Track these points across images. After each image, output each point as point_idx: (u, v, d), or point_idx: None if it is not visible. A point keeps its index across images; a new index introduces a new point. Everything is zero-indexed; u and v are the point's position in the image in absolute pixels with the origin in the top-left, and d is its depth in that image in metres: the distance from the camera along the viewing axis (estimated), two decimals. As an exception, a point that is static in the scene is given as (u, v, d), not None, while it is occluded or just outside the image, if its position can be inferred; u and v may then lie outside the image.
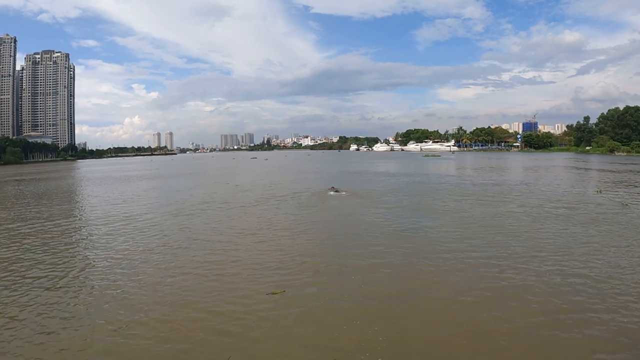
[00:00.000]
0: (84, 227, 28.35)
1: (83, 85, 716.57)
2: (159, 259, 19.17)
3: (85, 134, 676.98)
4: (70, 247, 22.48)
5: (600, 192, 40.88)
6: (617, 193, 40.48)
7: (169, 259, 19.01)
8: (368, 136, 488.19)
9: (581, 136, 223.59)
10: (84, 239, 24.61)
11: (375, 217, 28.74)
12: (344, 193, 41.82)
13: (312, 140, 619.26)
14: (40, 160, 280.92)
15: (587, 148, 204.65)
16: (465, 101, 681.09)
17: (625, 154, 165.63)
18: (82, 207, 39.77)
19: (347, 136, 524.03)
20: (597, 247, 20.03)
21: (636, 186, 47.07)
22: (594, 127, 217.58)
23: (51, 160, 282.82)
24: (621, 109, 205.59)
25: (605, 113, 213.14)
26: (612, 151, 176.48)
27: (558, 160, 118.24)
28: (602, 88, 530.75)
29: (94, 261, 19.14)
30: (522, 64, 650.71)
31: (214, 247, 21.23)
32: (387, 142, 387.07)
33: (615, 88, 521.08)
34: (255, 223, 27.57)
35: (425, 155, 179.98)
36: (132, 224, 28.46)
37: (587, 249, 19.67)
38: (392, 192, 43.03)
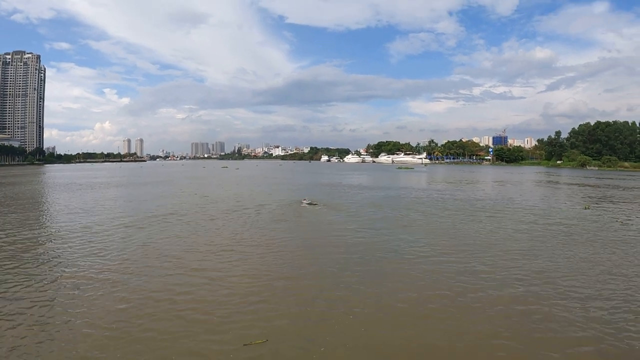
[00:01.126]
0: (36, 240, 25.07)
1: (54, 89, 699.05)
2: (113, 285, 16.21)
3: (54, 138, 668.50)
4: (13, 265, 19.17)
5: (588, 207, 39.45)
6: (605, 209, 39.26)
7: (125, 287, 16.05)
8: (339, 147, 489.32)
9: (552, 150, 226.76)
10: (31, 255, 21.28)
11: (360, 236, 26.11)
12: (320, 206, 39.45)
13: (283, 151, 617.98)
14: (7, 163, 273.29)
15: (558, 162, 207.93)
16: (437, 115, 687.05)
17: (596, 168, 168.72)
18: (39, 216, 36.15)
19: (318, 147, 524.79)
20: (610, 267, 18.61)
21: (620, 201, 46.30)
22: (565, 141, 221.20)
23: (18, 164, 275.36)
24: (591, 124, 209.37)
25: (576, 128, 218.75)
26: (583, 165, 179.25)
27: (532, 175, 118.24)
28: (571, 104, 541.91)
29: (36, 288, 16.01)
30: (493, 79, 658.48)
31: (178, 271, 18.32)
32: (358, 153, 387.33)
33: (584, 104, 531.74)
34: (226, 241, 24.59)
35: (399, 168, 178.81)
36: (90, 238, 25.33)
37: (600, 270, 18.14)
38: (373, 207, 40.57)
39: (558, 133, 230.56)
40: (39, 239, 25.74)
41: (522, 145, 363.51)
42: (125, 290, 15.57)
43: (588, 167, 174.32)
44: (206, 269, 18.57)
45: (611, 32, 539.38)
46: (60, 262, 19.75)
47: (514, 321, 12.79)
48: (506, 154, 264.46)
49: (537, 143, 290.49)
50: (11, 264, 19.50)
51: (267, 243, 23.84)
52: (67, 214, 36.19)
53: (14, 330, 12.18)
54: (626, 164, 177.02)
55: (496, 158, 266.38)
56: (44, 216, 36.59)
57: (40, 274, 17.78)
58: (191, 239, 25.12)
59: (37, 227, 30.06)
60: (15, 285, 16.23)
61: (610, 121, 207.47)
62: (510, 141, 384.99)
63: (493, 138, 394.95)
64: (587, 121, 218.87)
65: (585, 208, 39.37)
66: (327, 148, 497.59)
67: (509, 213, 35.98)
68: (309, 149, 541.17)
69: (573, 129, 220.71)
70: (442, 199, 48.38)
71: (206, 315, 13.29)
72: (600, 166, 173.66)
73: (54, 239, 25.38)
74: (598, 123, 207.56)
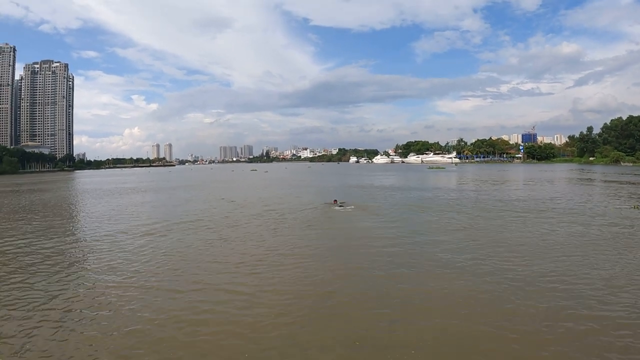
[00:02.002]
0: (53, 249, 24.07)
1: (83, 96, 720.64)
2: (128, 303, 14.80)
3: (84, 144, 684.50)
4: (24, 277, 18.13)
5: (638, 207, 37.45)
6: (657, 209, 36.51)
7: (142, 306, 14.53)
8: (367, 148, 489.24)
9: (584, 147, 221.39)
10: (45, 267, 20.07)
11: (404, 244, 24.04)
12: (355, 210, 38.08)
13: (311, 153, 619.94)
14: (37, 170, 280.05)
15: (591, 159, 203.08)
16: (464, 113, 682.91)
17: (631, 164, 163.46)
18: (61, 224, 35.39)
19: (346, 148, 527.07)
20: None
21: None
22: (597, 137, 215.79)
23: (48, 171, 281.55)
24: (623, 119, 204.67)
25: (608, 123, 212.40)
26: (616, 162, 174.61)
27: (567, 172, 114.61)
28: (600, 99, 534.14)
29: (40, 305, 14.74)
30: (520, 76, 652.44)
31: (202, 286, 16.67)
32: (386, 154, 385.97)
33: (613, 99, 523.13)
34: (255, 251, 22.95)
35: (430, 168, 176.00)
36: (110, 247, 24.37)
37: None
38: (412, 210, 38.76)
39: (590, 129, 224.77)
40: (56, 248, 24.87)
41: (552, 142, 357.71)
42: (142, 310, 14.09)
43: (622, 164, 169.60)
44: (234, 283, 16.95)
45: (639, 25, 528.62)
46: (74, 275, 18.62)
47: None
48: (537, 152, 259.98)
49: (567, 140, 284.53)
50: (22, 276, 18.50)
51: (299, 253, 22.15)
52: (90, 221, 35.81)
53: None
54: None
55: (527, 156, 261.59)
56: (66, 224, 36.03)
57: (49, 288, 16.61)
58: (217, 249, 23.77)
59: (57, 236, 29.17)
60: (20, 301, 15.12)
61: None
62: (539, 138, 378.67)
63: (522, 135, 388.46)
64: (617, 116, 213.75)
65: (635, 207, 36.98)
66: (356, 149, 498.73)
67: (557, 214, 33.85)
68: (337, 150, 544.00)
69: (605, 124, 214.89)
70: (482, 200, 46.12)
71: (234, 351, 11.29)
72: (634, 162, 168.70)
73: (72, 249, 24.65)
74: (631, 117, 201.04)
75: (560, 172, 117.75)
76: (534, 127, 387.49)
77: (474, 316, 13.15)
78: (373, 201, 46.35)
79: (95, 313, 13.92)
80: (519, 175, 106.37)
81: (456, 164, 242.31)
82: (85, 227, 32.78)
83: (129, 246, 24.69)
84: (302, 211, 38.29)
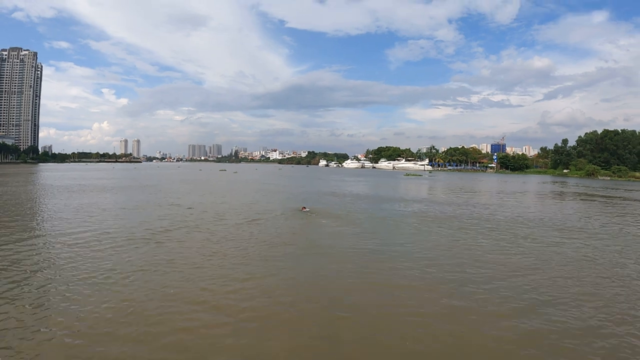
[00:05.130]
0: None
1: (53, 88, 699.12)
2: None
3: (52, 137, 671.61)
4: None
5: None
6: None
7: None
8: (337, 152, 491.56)
9: (559, 159, 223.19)
10: None
11: (416, 281, 18.68)
12: (341, 226, 32.72)
13: (281, 155, 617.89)
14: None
15: (565, 171, 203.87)
16: (434, 121, 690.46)
17: (608, 178, 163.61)
18: None
19: (315, 151, 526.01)
20: None
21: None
22: (572, 150, 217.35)
23: (10, 162, 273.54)
24: (595, 132, 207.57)
25: (583, 136, 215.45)
26: (591, 175, 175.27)
27: (551, 185, 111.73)
28: (569, 113, 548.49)
29: None
30: (491, 87, 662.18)
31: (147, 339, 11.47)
32: (357, 158, 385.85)
33: (582, 113, 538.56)
34: (220, 287, 16.77)
35: (407, 175, 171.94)
36: (31, 265, 17.78)
37: None
38: (415, 230, 33.22)
39: (565, 141, 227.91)
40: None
41: (521, 153, 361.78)
42: None
43: (600, 177, 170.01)
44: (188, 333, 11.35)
45: (609, 43, 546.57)
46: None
47: None
48: (511, 162, 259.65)
49: (539, 151, 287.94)
50: None
51: (276, 290, 16.52)
52: (14, 226, 29.54)
53: None
54: (637, 173, 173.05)
55: (500, 166, 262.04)
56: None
57: None
58: (158, 276, 17.82)
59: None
60: None
61: (619, 130, 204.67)
62: (508, 149, 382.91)
63: (491, 146, 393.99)
64: (584, 130, 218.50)
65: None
66: (325, 153, 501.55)
67: (573, 236, 28.82)
68: (306, 153, 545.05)
69: (580, 137, 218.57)
70: (492, 219, 38.75)
71: None
72: (611, 176, 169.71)
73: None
74: (606, 132, 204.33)
75: (542, 184, 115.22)
76: (503, 138, 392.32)
77: None
78: (360, 214, 40.71)
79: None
80: (503, 186, 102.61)
81: (430, 171, 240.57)
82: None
83: (41, 268, 18.32)
84: (280, 224, 32.81)
